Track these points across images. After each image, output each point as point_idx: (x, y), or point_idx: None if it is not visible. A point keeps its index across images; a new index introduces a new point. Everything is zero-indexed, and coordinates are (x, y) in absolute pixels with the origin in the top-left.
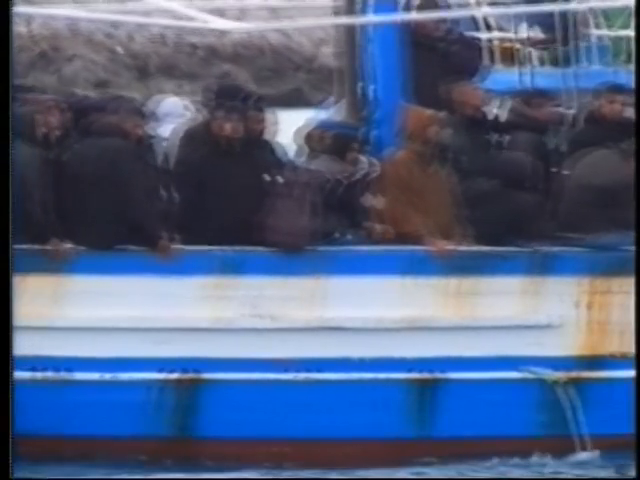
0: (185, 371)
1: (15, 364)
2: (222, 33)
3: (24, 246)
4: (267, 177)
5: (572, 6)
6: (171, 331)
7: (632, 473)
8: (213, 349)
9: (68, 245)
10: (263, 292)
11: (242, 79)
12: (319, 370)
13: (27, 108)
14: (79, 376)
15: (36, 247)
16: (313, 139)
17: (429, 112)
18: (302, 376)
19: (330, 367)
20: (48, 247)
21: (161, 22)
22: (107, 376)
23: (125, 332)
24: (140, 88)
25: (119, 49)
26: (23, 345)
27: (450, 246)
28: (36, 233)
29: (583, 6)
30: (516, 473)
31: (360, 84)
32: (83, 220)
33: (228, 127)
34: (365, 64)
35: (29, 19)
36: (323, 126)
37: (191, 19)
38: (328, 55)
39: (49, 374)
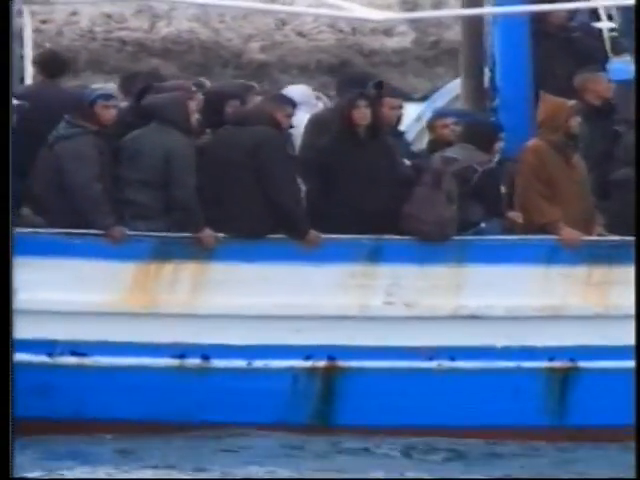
0: (325, 359)
1: (156, 351)
2: (151, 29)
3: (175, 234)
4: (407, 163)
5: None
6: (310, 319)
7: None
8: (353, 337)
9: (215, 233)
10: (401, 280)
11: (170, 74)
12: (456, 358)
13: (175, 95)
14: (218, 363)
15: (186, 235)
16: (437, 127)
17: (570, 102)
18: (445, 364)
19: (469, 355)
20: (198, 235)
21: (307, 10)
22: (246, 363)
23: (266, 319)
24: (69, 83)
25: (47, 44)
26: (164, 332)
27: (583, 235)
28: (188, 221)
29: None
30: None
31: (483, 71)
32: (230, 208)
33: (369, 115)
34: (489, 51)
35: None
36: (449, 115)
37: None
38: (256, 50)
39: (189, 361)
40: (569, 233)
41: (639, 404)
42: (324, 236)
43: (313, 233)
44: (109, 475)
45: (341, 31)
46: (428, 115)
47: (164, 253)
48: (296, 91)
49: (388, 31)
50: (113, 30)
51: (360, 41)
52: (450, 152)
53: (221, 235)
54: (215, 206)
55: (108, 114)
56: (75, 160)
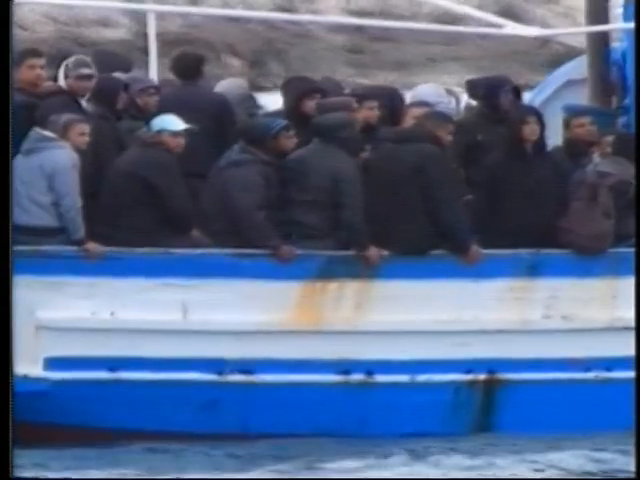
0: (485, 372)
1: (322, 368)
2: None
3: (340, 252)
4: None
5: None
6: (471, 333)
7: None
8: (512, 350)
9: (379, 251)
10: (559, 293)
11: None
12: (612, 369)
13: (347, 116)
14: (382, 378)
15: (351, 253)
16: (574, 126)
17: None
18: (602, 375)
19: (624, 366)
20: (363, 253)
21: (457, 29)
22: (409, 378)
23: (428, 335)
24: None
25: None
26: (329, 349)
27: None
28: (355, 240)
29: None
30: None
31: (610, 69)
32: (393, 225)
33: (538, 131)
34: (616, 49)
35: None
36: (585, 113)
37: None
38: None
39: (353, 377)
40: None
41: (639, 405)
42: (485, 251)
43: (475, 249)
44: None
45: (60, 22)
46: (538, 103)
47: (330, 271)
48: (428, 91)
49: (107, 22)
50: None
51: (79, 32)
52: (603, 166)
53: (385, 252)
54: (378, 223)
55: (290, 144)
56: (241, 188)
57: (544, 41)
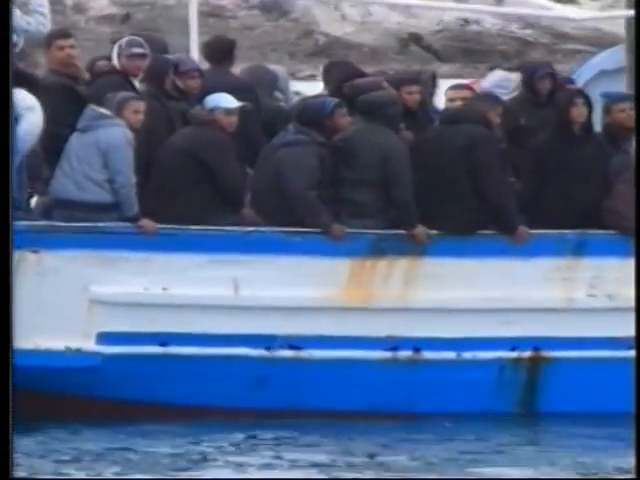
0: (530, 349)
1: (370, 344)
2: None
3: (390, 231)
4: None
5: None
6: (517, 311)
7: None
8: (557, 328)
9: (427, 230)
10: (603, 273)
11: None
12: None
13: (392, 94)
14: (429, 355)
15: (401, 231)
16: (615, 112)
17: None
18: None
19: None
20: (412, 232)
21: (504, 10)
22: (456, 355)
23: (474, 312)
24: None
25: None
26: (378, 326)
27: None
28: (405, 218)
29: None
30: None
31: None
32: (442, 205)
33: (586, 113)
34: None
35: None
36: (626, 99)
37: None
38: None
39: (401, 354)
40: None
41: (639, 402)
42: (532, 231)
43: (523, 229)
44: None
45: None
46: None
47: (379, 249)
48: (493, 77)
49: None
50: None
51: None
52: None
53: (433, 232)
54: (427, 203)
55: (345, 122)
56: (294, 168)
57: (306, 32)
